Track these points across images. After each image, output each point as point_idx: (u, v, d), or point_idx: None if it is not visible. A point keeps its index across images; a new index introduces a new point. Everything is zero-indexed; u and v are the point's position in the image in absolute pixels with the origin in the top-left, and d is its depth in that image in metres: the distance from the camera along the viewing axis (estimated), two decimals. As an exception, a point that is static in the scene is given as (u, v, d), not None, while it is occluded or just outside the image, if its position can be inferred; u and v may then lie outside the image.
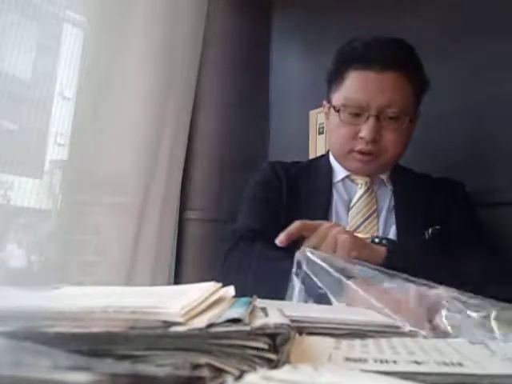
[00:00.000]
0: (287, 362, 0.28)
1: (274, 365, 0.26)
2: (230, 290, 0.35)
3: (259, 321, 0.28)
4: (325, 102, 1.07)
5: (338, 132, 0.98)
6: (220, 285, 0.35)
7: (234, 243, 0.94)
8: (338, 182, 1.04)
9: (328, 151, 1.11)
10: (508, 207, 1.06)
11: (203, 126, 1.56)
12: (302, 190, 1.03)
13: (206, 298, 0.30)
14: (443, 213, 0.97)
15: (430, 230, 0.94)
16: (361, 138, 0.94)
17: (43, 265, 1.14)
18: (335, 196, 1.02)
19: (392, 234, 0.96)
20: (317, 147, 1.59)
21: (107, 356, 0.24)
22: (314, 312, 0.44)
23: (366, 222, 0.97)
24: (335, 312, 0.48)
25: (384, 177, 1.03)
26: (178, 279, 1.42)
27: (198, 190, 1.53)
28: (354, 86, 0.95)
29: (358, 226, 0.96)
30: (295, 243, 0.81)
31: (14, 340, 0.24)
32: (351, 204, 1.00)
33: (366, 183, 1.01)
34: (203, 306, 0.29)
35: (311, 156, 1.57)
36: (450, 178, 1.04)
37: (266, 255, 0.82)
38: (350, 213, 0.98)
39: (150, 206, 1.32)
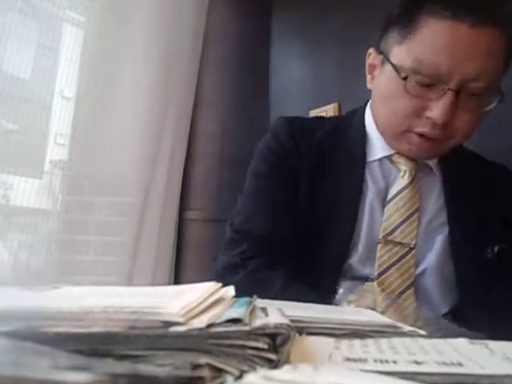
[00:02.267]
0: (287, 361, 0.28)
1: (273, 365, 0.26)
2: (230, 290, 0.35)
3: (259, 321, 0.28)
4: (372, 50, 0.78)
5: (395, 103, 0.71)
6: (220, 285, 0.35)
7: (242, 260, 0.71)
8: (375, 161, 0.77)
9: (364, 107, 0.84)
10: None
11: (203, 125, 1.56)
12: (327, 167, 0.77)
13: (206, 298, 0.30)
14: (507, 217, 0.75)
15: (496, 249, 0.73)
16: (428, 118, 0.68)
17: (43, 265, 1.14)
18: (369, 181, 0.76)
19: (439, 245, 0.74)
20: (317, 147, 1.58)
21: (107, 356, 0.24)
22: (313, 312, 0.44)
23: (405, 225, 0.73)
24: (335, 312, 0.48)
25: (432, 162, 0.78)
26: (178, 279, 1.42)
27: (197, 189, 1.53)
28: (434, 42, 0.65)
29: (394, 230, 0.73)
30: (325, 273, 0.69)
31: (14, 340, 0.24)
32: (389, 196, 0.75)
33: (411, 171, 0.75)
34: (203, 306, 0.29)
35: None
36: (508, 167, 0.82)
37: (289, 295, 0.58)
38: (386, 209, 0.74)
39: (150, 206, 1.32)
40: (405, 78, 0.67)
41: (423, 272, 0.73)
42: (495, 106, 0.69)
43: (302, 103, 1.64)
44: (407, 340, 0.37)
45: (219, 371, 0.25)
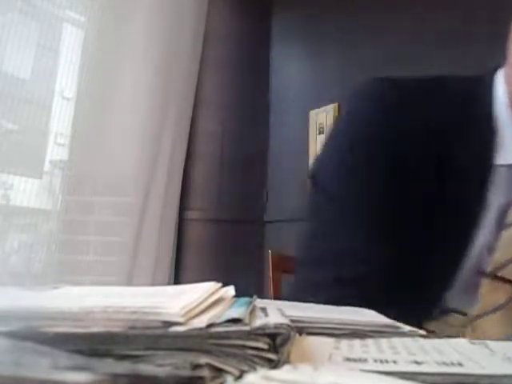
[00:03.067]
0: (287, 361, 0.28)
1: (273, 365, 0.26)
2: (230, 290, 0.35)
3: (259, 321, 0.28)
4: None
5: None
6: (220, 285, 0.35)
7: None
8: (503, 166, 0.55)
9: (491, 76, 0.59)
10: None
11: (203, 126, 1.56)
12: (442, 164, 0.54)
13: (206, 298, 0.30)
14: None
15: None
16: None
17: (43, 265, 1.14)
18: (492, 191, 0.55)
19: None
20: (317, 147, 1.58)
21: (107, 356, 0.24)
22: (314, 312, 0.44)
23: None
24: (335, 312, 0.48)
25: None
26: (178, 279, 1.42)
27: (198, 190, 1.53)
28: None
29: (506, 264, 0.54)
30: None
31: (14, 340, 0.24)
32: (509, 218, 0.54)
33: None
34: (203, 306, 0.29)
35: (311, 156, 1.56)
36: None
37: None
38: (503, 233, 0.54)
39: (150, 206, 1.32)
40: None
41: None
42: None
43: (302, 103, 1.64)
44: (407, 340, 0.37)
45: (219, 371, 0.25)
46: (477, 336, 0.53)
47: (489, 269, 0.54)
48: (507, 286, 0.53)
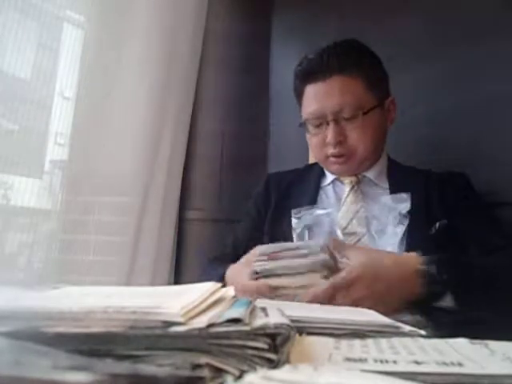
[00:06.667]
0: (287, 361, 0.28)
1: (274, 365, 0.26)
2: (230, 290, 0.35)
3: (259, 321, 0.28)
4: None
5: (311, 142, 1.03)
6: (220, 285, 0.35)
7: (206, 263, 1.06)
8: (328, 185, 1.05)
9: None
10: (508, 208, 1.05)
11: (203, 126, 1.56)
12: (291, 196, 1.04)
13: (206, 298, 0.30)
14: (449, 207, 0.93)
15: (437, 225, 0.89)
16: (327, 143, 0.98)
17: (43, 265, 1.14)
18: (323, 197, 1.03)
19: (390, 232, 0.91)
20: (317, 147, 1.59)
21: (107, 356, 0.24)
22: (313, 312, 0.44)
23: (355, 220, 0.95)
24: (335, 312, 0.48)
25: (371, 174, 1.02)
26: (178, 279, 1.42)
27: (197, 190, 1.53)
28: (308, 100, 1.01)
29: (348, 224, 0.95)
30: None
31: (14, 340, 0.24)
32: (341, 202, 1.00)
33: (351, 182, 1.02)
34: (203, 306, 0.29)
35: (311, 156, 1.57)
36: (452, 171, 1.01)
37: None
38: (340, 211, 0.98)
39: (149, 206, 1.32)
40: (305, 125, 1.03)
41: None
42: (367, 118, 0.96)
43: (302, 103, 1.64)
44: (407, 340, 0.37)
45: (219, 371, 0.25)
46: None
47: None
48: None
